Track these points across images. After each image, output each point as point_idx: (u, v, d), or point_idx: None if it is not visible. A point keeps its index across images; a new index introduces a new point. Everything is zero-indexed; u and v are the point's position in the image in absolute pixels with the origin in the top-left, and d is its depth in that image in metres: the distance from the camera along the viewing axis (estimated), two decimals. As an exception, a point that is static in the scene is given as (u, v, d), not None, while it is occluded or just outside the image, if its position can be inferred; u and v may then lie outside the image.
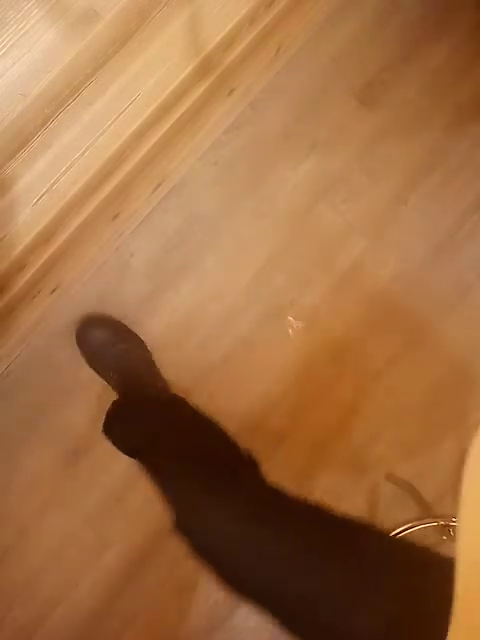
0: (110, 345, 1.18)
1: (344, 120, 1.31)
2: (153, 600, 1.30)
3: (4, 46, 0.62)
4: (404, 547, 0.71)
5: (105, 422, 1.09)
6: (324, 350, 1.32)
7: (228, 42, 0.97)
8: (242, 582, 0.71)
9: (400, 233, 1.33)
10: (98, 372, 1.23)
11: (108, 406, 1.13)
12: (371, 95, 1.32)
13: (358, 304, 1.32)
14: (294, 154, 1.31)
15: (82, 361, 1.24)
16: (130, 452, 1.01)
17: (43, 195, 0.84)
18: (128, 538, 1.29)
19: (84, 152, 0.85)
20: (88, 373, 1.25)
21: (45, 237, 0.93)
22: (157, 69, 0.87)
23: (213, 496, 0.76)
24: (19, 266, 0.94)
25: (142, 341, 1.25)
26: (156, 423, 0.98)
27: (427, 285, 1.34)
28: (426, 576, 0.59)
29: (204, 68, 0.96)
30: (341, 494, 1.30)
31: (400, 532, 1.12)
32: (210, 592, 1.30)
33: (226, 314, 1.30)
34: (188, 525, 0.76)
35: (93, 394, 1.27)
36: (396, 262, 1.33)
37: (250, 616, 1.30)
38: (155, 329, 1.27)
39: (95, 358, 1.22)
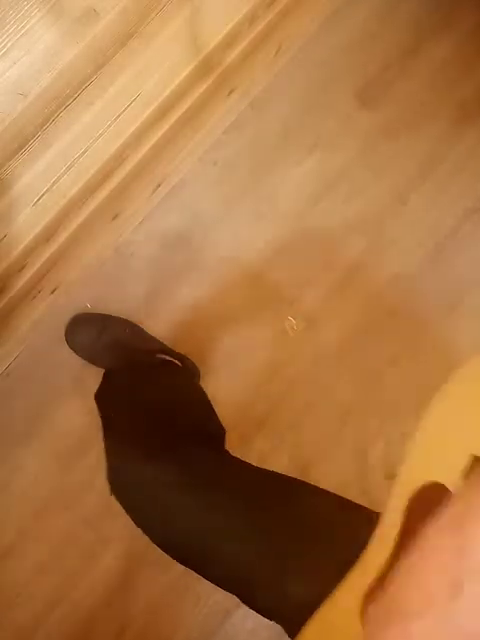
0: (96, 339, 1.21)
1: (344, 120, 1.31)
2: (152, 600, 1.30)
3: (4, 46, 0.62)
4: (350, 511, 0.70)
5: (97, 391, 1.08)
6: (324, 350, 1.31)
7: (228, 42, 0.97)
8: (175, 545, 0.71)
9: (400, 233, 1.33)
10: (104, 367, 1.24)
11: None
12: (371, 95, 1.31)
13: (358, 304, 1.32)
14: (294, 154, 1.31)
15: (82, 360, 1.25)
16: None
17: (43, 195, 0.85)
18: (128, 538, 1.29)
19: (84, 152, 0.86)
20: (88, 372, 1.25)
21: (45, 237, 0.94)
22: (157, 69, 0.87)
23: (158, 458, 0.74)
24: (19, 266, 0.94)
25: (124, 320, 1.25)
26: (137, 390, 0.98)
27: (427, 285, 1.33)
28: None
29: (204, 68, 0.96)
30: (340, 494, 1.30)
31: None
32: (209, 593, 1.30)
33: (226, 314, 1.30)
34: (120, 480, 0.75)
35: (93, 393, 1.26)
36: (396, 262, 1.33)
37: (248, 618, 1.30)
38: (155, 329, 1.26)
39: (91, 356, 1.24)
